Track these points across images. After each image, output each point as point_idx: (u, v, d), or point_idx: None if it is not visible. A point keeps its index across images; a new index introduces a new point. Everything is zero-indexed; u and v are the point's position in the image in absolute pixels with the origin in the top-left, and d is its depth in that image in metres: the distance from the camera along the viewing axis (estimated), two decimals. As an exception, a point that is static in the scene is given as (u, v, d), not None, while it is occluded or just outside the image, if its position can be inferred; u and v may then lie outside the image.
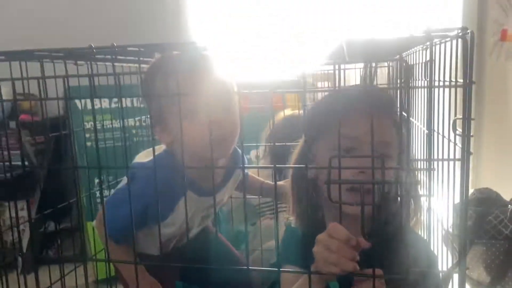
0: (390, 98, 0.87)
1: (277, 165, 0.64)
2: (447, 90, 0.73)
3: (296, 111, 1.74)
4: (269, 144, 1.69)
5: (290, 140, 1.19)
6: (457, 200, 0.79)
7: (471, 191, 1.93)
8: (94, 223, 1.18)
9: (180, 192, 1.03)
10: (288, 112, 1.74)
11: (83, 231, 1.04)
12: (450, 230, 1.56)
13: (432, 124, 0.63)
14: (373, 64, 1.82)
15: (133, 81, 0.96)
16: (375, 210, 0.68)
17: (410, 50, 1.20)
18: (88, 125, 1.97)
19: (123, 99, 2.02)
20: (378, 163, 0.61)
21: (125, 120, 1.91)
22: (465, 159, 0.59)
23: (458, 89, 0.72)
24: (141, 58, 0.88)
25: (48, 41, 1.07)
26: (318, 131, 0.87)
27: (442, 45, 0.73)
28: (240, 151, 1.16)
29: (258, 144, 1.72)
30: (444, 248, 1.12)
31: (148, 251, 1.11)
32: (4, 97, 1.13)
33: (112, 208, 1.03)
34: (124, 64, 1.04)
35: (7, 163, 0.84)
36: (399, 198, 0.69)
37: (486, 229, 1.70)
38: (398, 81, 1.17)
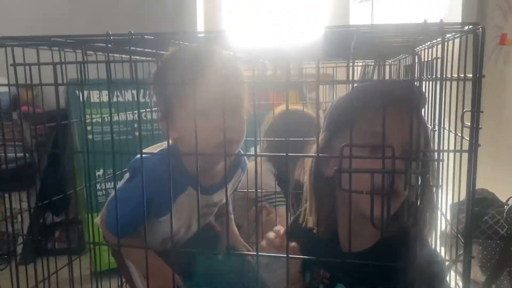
0: (421, 94, 0.82)
1: (289, 154, 0.65)
2: (448, 84, 0.75)
3: (295, 107, 1.75)
4: (267, 139, 1.71)
5: (288, 134, 1.18)
6: (462, 193, 0.81)
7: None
8: (96, 220, 1.18)
9: (181, 187, 1.04)
10: (289, 109, 1.74)
11: (92, 219, 1.04)
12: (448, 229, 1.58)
13: (442, 116, 0.65)
14: (372, 63, 1.85)
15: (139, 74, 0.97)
16: (385, 202, 0.68)
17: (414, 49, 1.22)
18: (89, 118, 1.98)
19: (124, 92, 2.03)
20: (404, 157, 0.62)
21: (127, 114, 1.92)
22: (473, 150, 0.60)
23: (461, 84, 0.74)
24: (154, 50, 0.89)
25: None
26: (341, 127, 0.84)
27: (446, 43, 0.75)
28: (242, 151, 1.17)
29: (257, 139, 1.73)
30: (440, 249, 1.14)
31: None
32: (4, 88, 1.13)
33: (113, 206, 1.03)
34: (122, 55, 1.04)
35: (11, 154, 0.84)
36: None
37: (482, 229, 1.73)
38: (410, 76, 1.18)
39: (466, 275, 0.68)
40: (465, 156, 0.63)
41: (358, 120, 0.79)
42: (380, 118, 0.71)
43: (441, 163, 0.68)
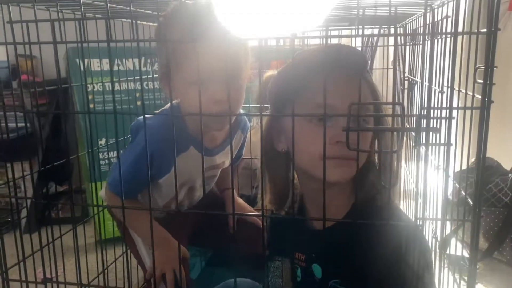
0: (361, 55, 0.81)
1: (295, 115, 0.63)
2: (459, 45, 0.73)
3: None
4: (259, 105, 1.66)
5: None
6: (467, 158, 0.79)
7: (472, 160, 1.97)
8: (101, 193, 1.16)
9: (182, 146, 1.03)
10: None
11: (96, 187, 1.03)
12: (450, 198, 1.58)
13: (454, 74, 0.63)
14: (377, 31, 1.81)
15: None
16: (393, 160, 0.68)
17: (416, 16, 1.19)
18: (90, 87, 1.96)
19: (125, 61, 2.00)
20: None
21: (128, 83, 1.90)
22: (485, 107, 0.59)
23: (473, 42, 0.72)
24: (155, 12, 0.86)
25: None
26: (285, 101, 0.80)
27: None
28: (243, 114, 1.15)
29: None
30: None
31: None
32: (3, 57, 1.10)
33: (117, 167, 1.02)
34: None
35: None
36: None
37: (486, 197, 1.72)
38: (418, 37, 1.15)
39: (475, 233, 0.67)
40: (476, 118, 0.62)
41: (302, 92, 0.76)
42: (320, 87, 0.68)
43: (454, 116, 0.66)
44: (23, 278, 0.82)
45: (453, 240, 1.40)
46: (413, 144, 0.65)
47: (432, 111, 0.59)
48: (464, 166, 1.02)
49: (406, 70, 1.52)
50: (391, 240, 0.66)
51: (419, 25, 1.25)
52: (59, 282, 0.80)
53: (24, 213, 1.92)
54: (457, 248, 1.31)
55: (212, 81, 0.90)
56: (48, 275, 0.89)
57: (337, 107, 0.72)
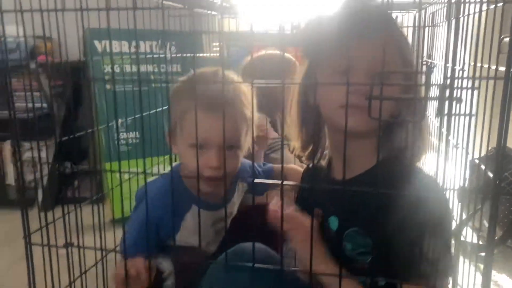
0: (386, 15, 0.84)
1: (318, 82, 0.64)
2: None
3: (275, 52, 1.65)
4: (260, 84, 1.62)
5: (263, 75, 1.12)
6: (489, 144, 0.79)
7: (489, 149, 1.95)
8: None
9: (186, 206, 1.06)
10: (268, 52, 1.67)
11: (118, 161, 1.05)
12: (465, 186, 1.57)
13: (478, 43, 0.62)
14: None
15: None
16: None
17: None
18: (108, 68, 1.98)
19: (145, 44, 2.01)
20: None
21: (147, 66, 1.91)
22: (509, 78, 0.58)
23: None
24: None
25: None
26: (317, 56, 0.85)
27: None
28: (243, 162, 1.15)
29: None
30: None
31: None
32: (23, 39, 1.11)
33: (127, 234, 1.03)
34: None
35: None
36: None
37: (501, 185, 1.71)
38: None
39: (493, 211, 0.67)
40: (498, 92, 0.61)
41: (325, 47, 0.81)
42: (342, 43, 0.75)
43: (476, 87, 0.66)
44: (45, 243, 0.84)
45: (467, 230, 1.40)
46: (436, 113, 0.64)
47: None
48: (483, 153, 1.02)
49: (425, 54, 1.51)
50: (412, 205, 0.66)
51: (439, 8, 1.24)
52: (80, 247, 0.82)
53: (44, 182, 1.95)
54: (472, 237, 1.30)
55: (210, 147, 0.95)
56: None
57: (356, 60, 0.75)
